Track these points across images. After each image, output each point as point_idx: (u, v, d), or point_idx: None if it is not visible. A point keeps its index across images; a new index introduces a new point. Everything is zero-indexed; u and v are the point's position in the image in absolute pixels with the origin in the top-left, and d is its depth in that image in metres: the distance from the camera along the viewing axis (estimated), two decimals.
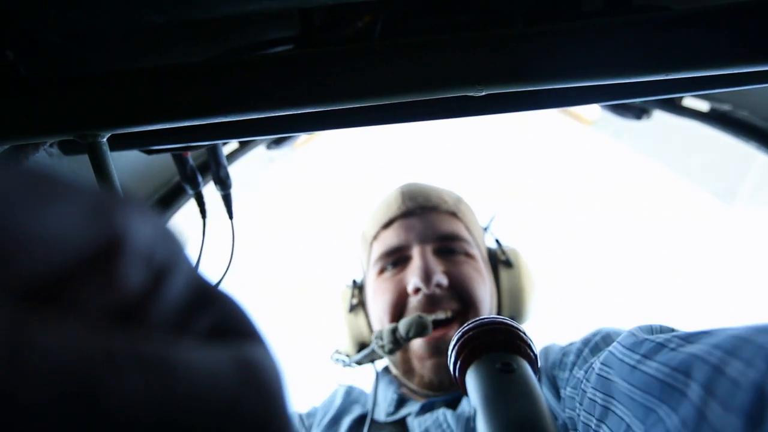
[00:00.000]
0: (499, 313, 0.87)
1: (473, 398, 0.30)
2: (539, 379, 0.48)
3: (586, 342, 0.62)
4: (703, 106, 0.75)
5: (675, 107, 0.76)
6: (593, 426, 0.45)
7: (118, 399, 0.09)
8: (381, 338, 0.74)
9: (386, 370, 0.86)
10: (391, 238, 0.82)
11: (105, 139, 0.44)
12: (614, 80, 0.43)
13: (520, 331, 0.34)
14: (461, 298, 0.77)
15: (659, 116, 0.81)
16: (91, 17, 0.39)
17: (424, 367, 0.75)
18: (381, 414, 0.75)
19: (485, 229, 0.95)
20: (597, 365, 0.48)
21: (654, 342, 0.41)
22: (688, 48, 0.41)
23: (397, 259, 0.81)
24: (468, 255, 0.82)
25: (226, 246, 0.70)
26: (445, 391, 0.74)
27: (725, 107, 0.74)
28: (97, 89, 0.41)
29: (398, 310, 0.77)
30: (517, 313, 0.88)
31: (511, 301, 0.87)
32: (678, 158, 1.07)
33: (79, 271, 0.11)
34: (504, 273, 0.89)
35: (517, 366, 0.31)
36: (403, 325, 0.71)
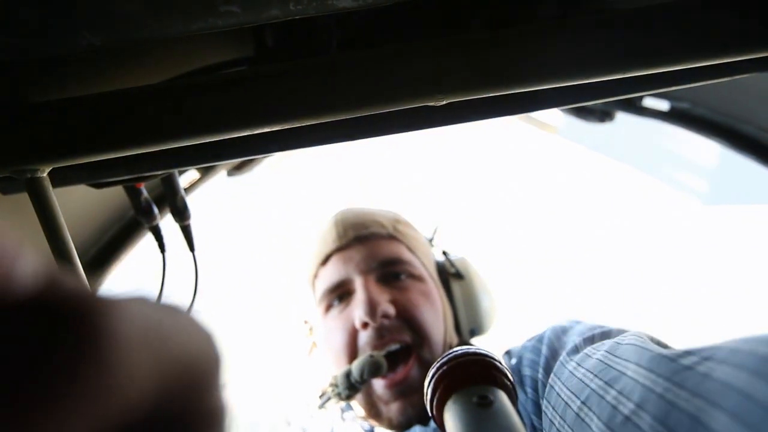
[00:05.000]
0: (457, 328, 0.85)
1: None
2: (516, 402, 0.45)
3: (540, 340, 0.61)
4: (664, 105, 0.76)
5: (636, 108, 0.77)
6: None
7: None
8: (336, 385, 0.71)
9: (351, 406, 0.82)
10: (331, 274, 0.79)
11: (45, 174, 0.41)
12: (572, 81, 0.43)
13: (494, 360, 0.33)
14: (411, 327, 0.73)
15: (622, 118, 0.82)
16: (19, 43, 0.36)
17: (390, 411, 0.71)
18: None
19: (431, 241, 0.93)
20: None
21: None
22: (642, 46, 0.41)
23: (341, 294, 0.78)
24: (413, 277, 0.79)
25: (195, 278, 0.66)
26: (413, 425, 0.71)
27: (684, 105, 0.75)
28: (31, 120, 0.38)
29: (351, 349, 0.74)
30: (477, 325, 0.86)
31: (468, 313, 0.85)
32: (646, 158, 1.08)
33: None
34: (456, 285, 0.87)
35: (494, 398, 0.30)
36: (355, 368, 0.69)
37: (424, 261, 0.84)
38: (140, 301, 0.13)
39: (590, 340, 0.52)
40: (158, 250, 0.62)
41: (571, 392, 0.45)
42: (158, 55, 0.50)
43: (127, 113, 0.40)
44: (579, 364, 0.47)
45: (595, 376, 0.43)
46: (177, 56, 0.51)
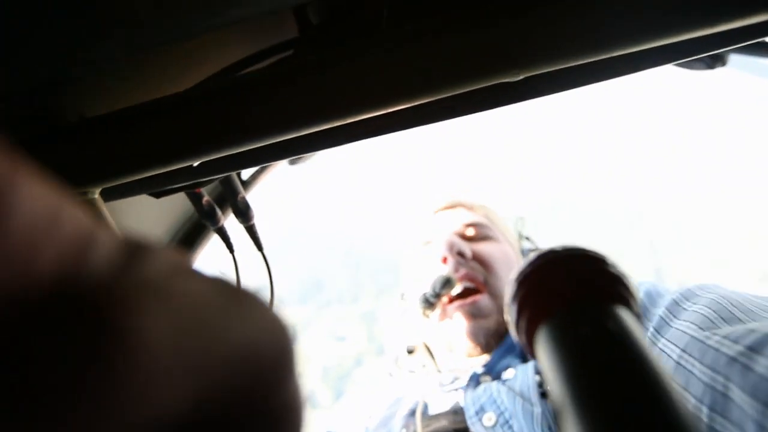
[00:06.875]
0: None
1: (551, 377, 0.20)
2: None
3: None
4: None
5: (758, 48, 0.63)
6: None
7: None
8: (418, 303, 0.77)
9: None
10: (423, 233, 0.90)
11: (97, 195, 0.39)
12: (674, 38, 0.34)
13: (616, 269, 0.22)
14: (488, 269, 0.80)
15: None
16: (55, 64, 0.34)
17: (461, 335, 0.76)
18: (435, 407, 0.72)
19: (521, 236, 0.98)
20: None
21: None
22: None
23: (430, 249, 0.86)
24: (494, 239, 0.86)
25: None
26: (487, 352, 0.74)
27: None
28: (75, 141, 0.36)
29: None
30: None
31: None
32: None
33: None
34: None
35: (621, 329, 0.19)
36: (429, 286, 0.76)
37: (507, 235, 0.91)
38: (190, 281, 0.11)
39: (684, 297, 0.54)
40: (227, 251, 0.61)
41: (671, 342, 0.47)
42: (195, 53, 0.46)
43: (174, 122, 0.37)
44: (676, 317, 0.50)
45: (696, 325, 0.45)
46: (216, 49, 0.48)
